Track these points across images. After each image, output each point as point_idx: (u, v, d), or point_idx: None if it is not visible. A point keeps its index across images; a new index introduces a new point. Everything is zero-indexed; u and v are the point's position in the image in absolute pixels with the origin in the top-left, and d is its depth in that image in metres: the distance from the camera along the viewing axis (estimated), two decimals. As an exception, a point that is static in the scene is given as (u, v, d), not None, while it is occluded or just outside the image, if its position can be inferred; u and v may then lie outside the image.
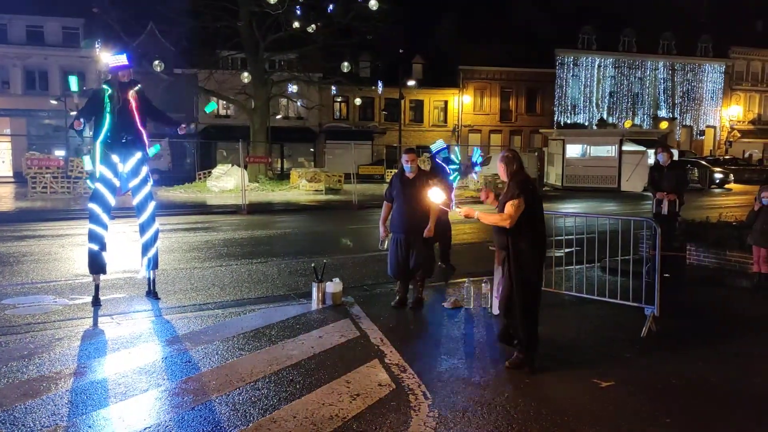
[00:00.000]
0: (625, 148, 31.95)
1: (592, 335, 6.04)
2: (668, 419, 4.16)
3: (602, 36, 47.81)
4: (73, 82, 7.41)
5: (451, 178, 9.19)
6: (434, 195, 5.53)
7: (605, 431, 3.97)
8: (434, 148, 9.34)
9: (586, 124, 48.12)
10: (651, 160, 31.35)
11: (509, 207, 4.91)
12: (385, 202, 7.13)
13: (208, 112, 7.75)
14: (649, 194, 9.94)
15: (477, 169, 10.43)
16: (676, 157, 13.77)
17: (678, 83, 50.48)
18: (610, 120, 48.66)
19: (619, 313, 6.60)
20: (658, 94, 50.24)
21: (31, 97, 38.33)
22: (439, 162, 9.19)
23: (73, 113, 34.37)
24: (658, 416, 4.20)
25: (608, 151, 32.53)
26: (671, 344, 5.78)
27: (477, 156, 10.20)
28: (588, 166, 32.50)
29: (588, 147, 33.24)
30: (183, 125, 7.26)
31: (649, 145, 32.62)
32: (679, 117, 50.83)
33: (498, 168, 5.30)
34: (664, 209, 8.66)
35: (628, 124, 47.13)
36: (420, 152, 40.46)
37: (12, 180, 34.79)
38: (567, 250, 8.15)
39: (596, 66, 48.25)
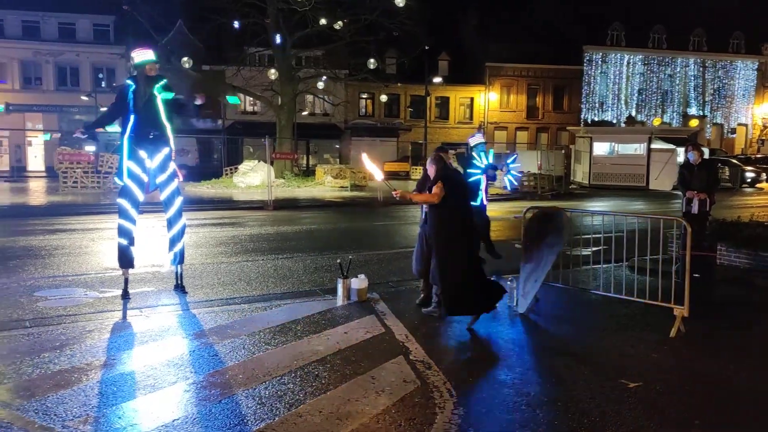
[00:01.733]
0: (653, 146, 31.49)
1: (619, 335, 5.97)
2: (697, 421, 4.10)
3: (631, 33, 47.14)
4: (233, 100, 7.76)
5: (472, 179, 9.11)
6: (372, 168, 6.53)
7: (633, 432, 3.92)
8: (473, 141, 9.29)
9: (614, 121, 47.51)
10: (681, 159, 30.86)
11: (435, 188, 6.11)
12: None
13: (230, 103, 7.81)
14: (678, 193, 9.78)
15: (512, 175, 10.10)
16: (706, 156, 13.51)
17: (709, 80, 49.58)
18: (639, 117, 47.97)
19: (647, 313, 6.51)
20: (689, 91, 49.40)
21: (63, 93, 39.07)
22: (471, 154, 9.24)
23: (104, 109, 35.01)
24: (688, 419, 4.14)
25: (636, 149, 32.09)
26: (701, 345, 5.69)
27: (512, 160, 9.94)
28: (615, 164, 32.09)
29: (616, 145, 32.82)
30: (199, 97, 7.22)
31: (678, 143, 32.09)
32: (709, 115, 49.94)
33: (428, 166, 6.40)
34: (694, 208, 8.52)
35: (657, 121, 46.48)
36: (447, 149, 40.36)
37: (44, 175, 35.54)
38: (594, 248, 8.07)
39: (625, 63, 47.60)
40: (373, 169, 6.54)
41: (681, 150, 31.14)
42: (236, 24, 27.45)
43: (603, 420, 4.07)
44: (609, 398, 4.43)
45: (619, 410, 4.23)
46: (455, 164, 10.02)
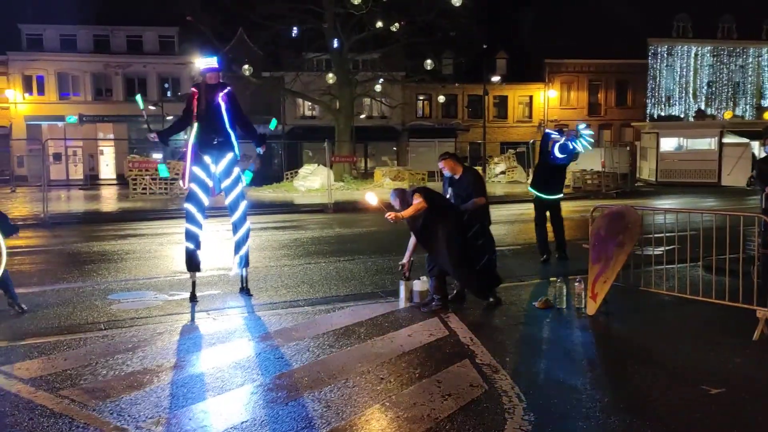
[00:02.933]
0: (725, 140, 30.19)
1: (697, 338, 5.69)
2: (788, 431, 3.85)
3: (698, 23, 45.26)
4: (140, 101, 7.86)
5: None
6: (369, 198, 6.77)
7: (717, 442, 3.71)
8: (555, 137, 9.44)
9: (682, 116, 45.74)
10: (756, 153, 29.45)
11: (416, 198, 6.52)
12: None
13: (272, 129, 7.95)
14: (756, 189, 9.28)
15: (584, 138, 9.64)
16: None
17: (784, 70, 47.12)
18: (709, 111, 46.03)
19: (726, 316, 6.19)
20: (762, 82, 47.02)
21: (131, 103, 40.38)
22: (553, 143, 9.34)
23: (170, 118, 36.13)
24: (777, 427, 3.89)
25: (707, 143, 30.83)
26: (787, 350, 5.36)
27: (584, 126, 9.61)
28: (684, 160, 30.96)
29: (684, 140, 31.64)
30: (259, 153, 7.37)
31: (752, 136, 30.65)
32: (785, 106, 47.46)
33: (393, 201, 6.84)
34: (774, 204, 8.05)
35: (728, 115, 44.44)
36: (505, 148, 39.91)
37: (115, 182, 37.00)
38: (666, 248, 7.74)
39: (692, 55, 45.76)
40: (371, 198, 6.76)
41: (755, 144, 29.74)
42: (294, 30, 27.87)
43: (684, 427, 3.87)
44: (690, 405, 4.21)
45: (701, 418, 4.01)
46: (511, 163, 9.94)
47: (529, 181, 10.23)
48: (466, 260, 6.55)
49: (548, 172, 9.56)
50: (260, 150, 7.32)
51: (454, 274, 6.71)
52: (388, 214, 6.45)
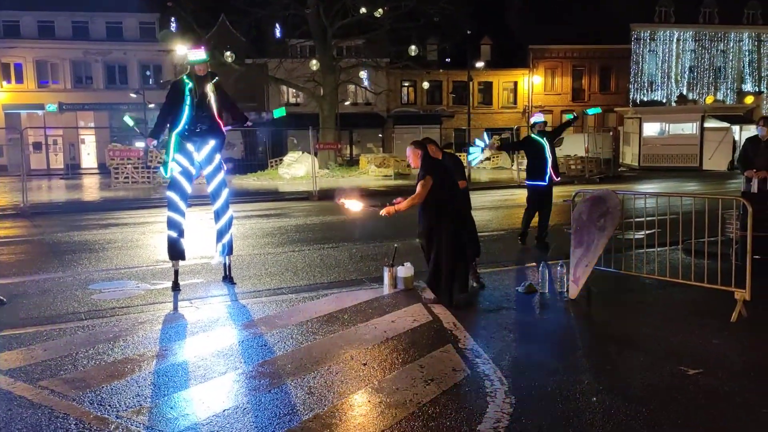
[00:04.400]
0: (707, 125, 30.44)
1: (676, 320, 5.76)
2: (764, 409, 3.90)
3: (681, 8, 45.48)
4: (129, 120, 7.78)
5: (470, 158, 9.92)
6: (350, 205, 6.70)
7: (695, 422, 3.75)
8: (533, 119, 9.93)
9: (664, 101, 46.04)
10: (736, 137, 29.74)
11: (419, 187, 6.20)
12: None
13: (276, 117, 7.84)
14: (736, 173, 9.38)
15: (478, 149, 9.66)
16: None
17: (765, 55, 47.52)
18: (691, 96, 46.37)
19: (705, 298, 6.27)
20: (743, 67, 47.45)
21: (112, 91, 40.11)
22: (533, 136, 9.73)
23: (152, 106, 35.75)
24: (754, 406, 3.95)
25: (689, 128, 31.07)
26: (764, 330, 5.45)
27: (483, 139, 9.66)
28: (667, 145, 31.18)
29: (667, 125, 31.86)
30: (250, 120, 7.39)
31: (733, 121, 30.96)
32: (765, 91, 47.89)
33: (409, 155, 6.49)
34: (754, 187, 8.14)
35: (710, 99, 44.83)
36: (490, 135, 39.96)
37: (97, 171, 36.62)
38: (647, 231, 7.81)
39: (675, 40, 46.01)
40: (353, 205, 6.73)
41: (736, 128, 30.03)
42: (277, 16, 27.61)
43: (662, 408, 3.91)
44: (668, 386, 4.27)
45: (679, 398, 4.07)
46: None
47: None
48: (460, 251, 6.39)
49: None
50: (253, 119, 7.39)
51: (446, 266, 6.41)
52: (383, 210, 6.40)
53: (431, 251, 6.41)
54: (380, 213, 6.47)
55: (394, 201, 6.52)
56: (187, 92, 6.78)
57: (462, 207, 6.87)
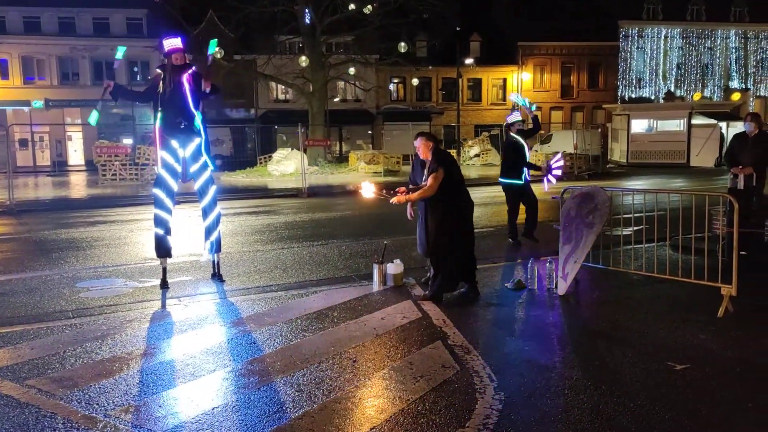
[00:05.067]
0: (694, 121, 30.62)
1: (664, 316, 5.80)
2: (750, 404, 3.94)
3: (669, 6, 45.73)
4: (120, 52, 7.58)
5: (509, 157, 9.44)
6: (365, 190, 6.64)
7: (682, 417, 3.78)
8: (510, 119, 9.53)
9: (652, 97, 46.31)
10: (724, 133, 29.95)
11: (431, 179, 6.12)
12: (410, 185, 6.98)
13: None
14: (723, 169, 9.46)
15: (552, 175, 9.59)
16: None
17: (751, 52, 47.86)
18: (678, 93, 46.66)
19: (692, 294, 6.32)
20: (730, 64, 47.80)
21: (99, 87, 38.91)
22: (514, 136, 9.47)
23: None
24: (740, 401, 3.98)
25: (677, 125, 31.25)
26: (750, 325, 5.49)
27: (556, 160, 9.65)
28: (655, 142, 31.35)
29: (655, 122, 32.02)
30: (208, 81, 6.91)
31: (720, 117, 31.16)
32: (752, 88, 48.28)
33: (419, 146, 6.39)
34: (740, 183, 8.21)
35: (697, 96, 45.12)
36: (479, 131, 40.04)
37: (84, 168, 36.33)
38: (635, 228, 7.85)
39: (662, 37, 46.26)
40: (367, 189, 6.70)
41: (723, 125, 30.25)
42: (266, 12, 27.48)
43: (650, 403, 3.94)
44: (656, 381, 4.30)
45: (667, 393, 4.10)
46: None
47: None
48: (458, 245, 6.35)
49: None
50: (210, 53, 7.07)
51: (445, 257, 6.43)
52: (394, 198, 6.38)
53: (440, 245, 6.33)
54: (391, 201, 6.45)
55: (397, 190, 6.53)
56: (160, 83, 6.74)
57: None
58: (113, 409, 3.94)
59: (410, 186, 6.72)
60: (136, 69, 40.82)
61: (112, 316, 6.05)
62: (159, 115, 6.73)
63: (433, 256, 6.55)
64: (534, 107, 9.81)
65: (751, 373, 4.45)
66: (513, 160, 9.46)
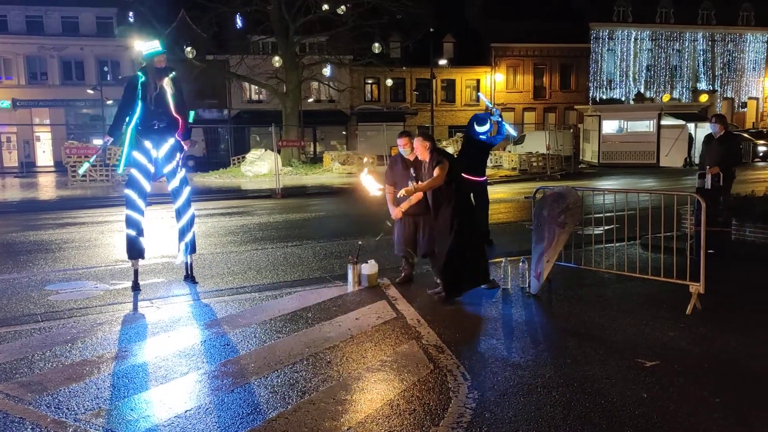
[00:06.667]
0: (663, 122, 31.15)
1: (634, 314, 5.89)
2: (717, 399, 4.03)
3: (638, 8, 46.51)
4: (82, 170, 7.62)
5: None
6: (366, 183, 6.71)
7: (652, 412, 3.85)
8: (481, 130, 9.13)
9: (623, 99, 47.04)
10: (692, 134, 30.52)
11: (438, 170, 6.16)
12: (387, 185, 6.99)
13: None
14: (692, 169, 9.64)
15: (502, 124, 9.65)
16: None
17: (718, 54, 48.93)
18: (648, 94, 47.46)
19: (662, 291, 6.43)
20: (698, 66, 48.79)
21: (69, 87, 39.09)
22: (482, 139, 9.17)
23: (110, 102, 34.98)
24: (707, 396, 4.07)
25: (646, 126, 31.77)
26: (718, 322, 5.61)
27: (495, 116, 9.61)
28: (625, 142, 31.83)
29: (625, 122, 32.52)
30: (187, 142, 7.04)
31: (688, 118, 31.76)
32: (719, 89, 49.33)
33: (416, 147, 6.47)
34: (707, 183, 8.39)
35: (666, 98, 45.98)
36: (453, 132, 40.20)
37: (53, 169, 35.66)
38: (606, 227, 7.97)
39: (632, 39, 47.04)
40: (369, 182, 6.78)
41: (691, 126, 30.83)
42: (238, 12, 27.26)
43: (621, 400, 4.01)
44: (626, 378, 4.37)
45: (636, 390, 4.17)
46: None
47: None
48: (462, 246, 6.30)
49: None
50: (184, 146, 7.02)
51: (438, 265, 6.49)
52: (402, 190, 6.37)
53: (445, 240, 6.32)
54: (398, 195, 6.49)
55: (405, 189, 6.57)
56: (140, 87, 6.65)
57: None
58: (84, 414, 3.88)
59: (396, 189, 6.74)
60: (106, 69, 40.24)
61: (82, 319, 5.95)
62: (137, 116, 6.63)
63: (439, 255, 6.50)
64: (498, 114, 9.52)
65: (719, 369, 4.55)
66: (479, 159, 9.37)
